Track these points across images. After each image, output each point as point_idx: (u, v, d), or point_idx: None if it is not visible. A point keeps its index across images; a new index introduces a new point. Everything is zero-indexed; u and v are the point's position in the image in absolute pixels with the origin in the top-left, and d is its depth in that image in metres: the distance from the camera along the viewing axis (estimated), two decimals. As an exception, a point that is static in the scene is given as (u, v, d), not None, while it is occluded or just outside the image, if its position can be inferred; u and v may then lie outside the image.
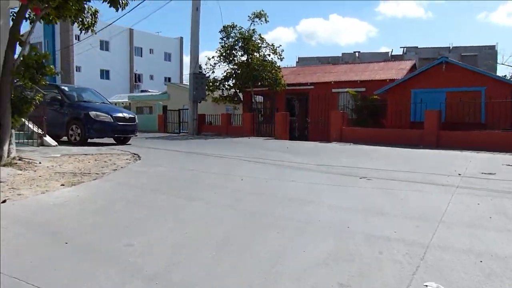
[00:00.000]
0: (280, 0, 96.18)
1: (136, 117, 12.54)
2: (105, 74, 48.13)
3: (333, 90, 19.13)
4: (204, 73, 20.31)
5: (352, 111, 16.86)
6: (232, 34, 19.50)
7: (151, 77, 52.15)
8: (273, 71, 19.12)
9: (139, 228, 3.26)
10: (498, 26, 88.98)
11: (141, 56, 51.47)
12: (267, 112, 20.33)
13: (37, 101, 7.10)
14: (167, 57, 53.96)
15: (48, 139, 10.82)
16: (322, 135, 15.87)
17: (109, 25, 31.49)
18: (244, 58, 19.37)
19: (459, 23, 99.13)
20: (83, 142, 11.36)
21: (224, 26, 19.56)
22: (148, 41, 51.34)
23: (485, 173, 6.08)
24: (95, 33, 9.32)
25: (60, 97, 11.89)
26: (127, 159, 8.03)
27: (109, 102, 13.10)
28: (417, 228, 3.19)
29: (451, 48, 42.83)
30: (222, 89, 20.65)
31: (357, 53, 41.64)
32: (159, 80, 50.16)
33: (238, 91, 20.62)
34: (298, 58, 44.35)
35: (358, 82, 18.89)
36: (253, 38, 19.30)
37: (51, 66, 7.30)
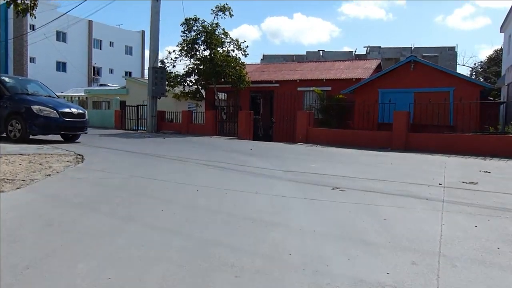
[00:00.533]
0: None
1: (86, 113, 11.34)
2: (61, 66, 45.59)
3: (299, 89, 18.51)
4: (165, 67, 19.17)
5: (318, 111, 16.29)
6: (194, 28, 18.48)
7: (111, 71, 49.94)
8: (237, 67, 18.28)
9: (39, 271, 2.34)
10: (454, 29, 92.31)
11: (100, 49, 49.14)
12: (231, 110, 19.45)
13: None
14: (128, 50, 51.84)
15: (-20, 136, 9.50)
16: (288, 135, 15.21)
17: (63, 14, 29.64)
18: (206, 53, 18.41)
19: (419, 25, 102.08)
20: (24, 140, 10.09)
21: (186, 19, 18.51)
22: (108, 33, 49.07)
23: (466, 182, 5.52)
24: (35, 17, 8.16)
25: (-2, 89, 10.53)
26: (67, 161, 6.96)
27: (57, 96, 11.78)
28: (414, 267, 2.47)
29: (413, 48, 43.55)
30: (184, 85, 19.59)
31: (321, 52, 41.49)
32: (119, 74, 47.94)
33: (200, 87, 19.64)
34: (263, 55, 43.69)
35: (323, 81, 18.37)
36: (217, 33, 18.36)
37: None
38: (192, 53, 18.45)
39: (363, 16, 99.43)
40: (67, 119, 10.54)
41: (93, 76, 48.27)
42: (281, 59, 42.52)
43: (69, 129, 10.71)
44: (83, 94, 31.53)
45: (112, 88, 30.45)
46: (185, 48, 18.53)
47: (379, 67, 20.20)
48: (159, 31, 18.29)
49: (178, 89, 20.09)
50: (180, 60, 19.08)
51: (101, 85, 47.04)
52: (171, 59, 19.27)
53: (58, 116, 10.35)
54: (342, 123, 14.84)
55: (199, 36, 18.15)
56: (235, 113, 18.35)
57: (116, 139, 13.45)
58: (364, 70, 18.74)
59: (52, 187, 4.82)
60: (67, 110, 10.61)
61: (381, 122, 13.63)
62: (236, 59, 18.44)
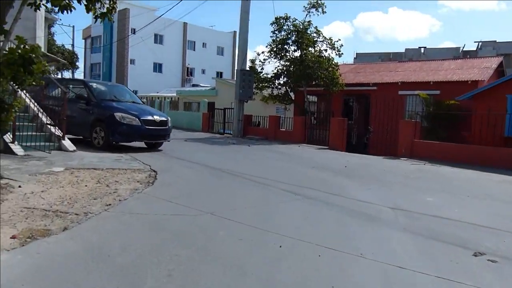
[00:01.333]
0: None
1: (169, 120, 10.80)
2: (158, 68, 47.84)
3: (400, 92, 16.39)
4: (256, 69, 18.33)
5: (423, 119, 14.12)
6: (284, 27, 17.36)
7: (203, 71, 51.25)
8: (330, 68, 16.75)
9: None
10: None
11: (194, 50, 50.69)
12: (321, 115, 17.99)
13: (16, 108, 5.41)
14: (220, 51, 52.80)
15: (66, 143, 9.36)
16: (386, 147, 13.34)
17: (158, 17, 30.59)
18: (297, 53, 17.18)
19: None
20: (106, 147, 9.82)
21: (276, 18, 17.46)
22: (201, 35, 50.40)
23: None
24: (113, 21, 7.68)
25: (86, 95, 10.44)
26: (138, 182, 6.22)
27: (142, 102, 11.47)
28: None
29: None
30: (272, 88, 18.61)
31: (422, 49, 37.73)
32: (211, 74, 48.94)
33: (289, 90, 18.47)
34: (356, 54, 41.22)
35: (430, 84, 16.00)
36: (308, 31, 17.04)
37: (43, 61, 5.59)
38: (282, 54, 17.36)
39: (469, 8, 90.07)
40: (149, 127, 10.07)
41: (186, 77, 50.00)
42: (376, 57, 39.65)
43: (151, 137, 10.24)
44: (174, 94, 32.36)
45: (202, 89, 30.73)
46: (275, 49, 17.51)
47: (500, 66, 17.15)
48: (248, 31, 17.50)
49: (266, 92, 19.19)
50: (269, 61, 18.13)
51: (193, 85, 48.54)
52: (260, 60, 18.42)
53: (140, 124, 9.91)
54: (454, 134, 12.56)
55: (289, 35, 16.99)
56: (326, 119, 16.89)
57: (200, 146, 12.87)
58: (481, 71, 15.93)
59: (101, 230, 3.92)
60: (149, 117, 10.13)
61: (509, 136, 11.14)
62: (329, 59, 16.93)
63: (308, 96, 18.26)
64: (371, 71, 19.53)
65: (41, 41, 20.80)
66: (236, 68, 17.76)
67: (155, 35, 46.06)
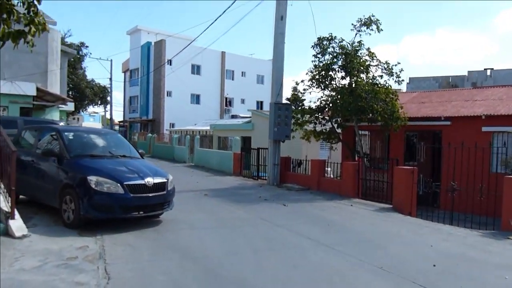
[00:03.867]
0: (381, 12, 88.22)
1: (168, 181, 7.70)
2: (195, 99, 46.03)
3: (484, 129, 12.47)
4: (296, 100, 15.10)
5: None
6: (329, 50, 14.11)
7: (242, 101, 48.97)
8: (388, 99, 13.18)
9: None
10: None
11: (232, 80, 48.70)
12: (377, 159, 14.31)
13: None
14: (260, 79, 50.48)
15: (15, 224, 6.44)
16: (468, 204, 9.48)
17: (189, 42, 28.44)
18: (345, 81, 13.82)
19: None
20: (79, 224, 6.84)
21: (318, 38, 14.28)
22: (240, 63, 48.36)
23: None
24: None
25: (58, 149, 7.61)
26: None
27: (138, 155, 8.46)
28: None
29: None
30: (315, 123, 15.25)
31: (488, 71, 32.95)
32: (251, 104, 46.42)
33: (336, 126, 15.02)
34: (409, 78, 36.91)
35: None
36: (359, 54, 13.66)
37: None
38: (326, 82, 14.04)
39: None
40: (137, 195, 7.00)
41: (225, 107, 47.81)
42: (433, 82, 35.25)
43: (139, 208, 7.13)
44: (208, 128, 29.73)
45: (237, 122, 27.87)
46: (317, 77, 14.23)
47: None
48: (283, 57, 14.45)
49: (307, 126, 15.85)
50: (310, 92, 14.86)
51: (232, 116, 46.19)
52: (299, 91, 15.18)
53: (123, 192, 6.88)
54: None
55: (335, 59, 13.70)
56: (383, 162, 13.25)
57: (220, 207, 9.68)
58: None
59: None
60: (137, 182, 7.07)
61: None
62: (386, 88, 13.38)
63: (360, 133, 14.70)
64: (439, 101, 15.68)
65: (55, 75, 18.98)
66: (270, 101, 14.59)
67: (192, 66, 44.47)
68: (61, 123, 11.83)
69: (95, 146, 8.17)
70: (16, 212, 6.70)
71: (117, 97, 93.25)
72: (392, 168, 10.84)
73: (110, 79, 45.10)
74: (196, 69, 45.13)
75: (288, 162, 14.98)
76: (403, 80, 13.94)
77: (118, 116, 60.67)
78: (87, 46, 39.18)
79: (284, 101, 15.04)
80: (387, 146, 15.28)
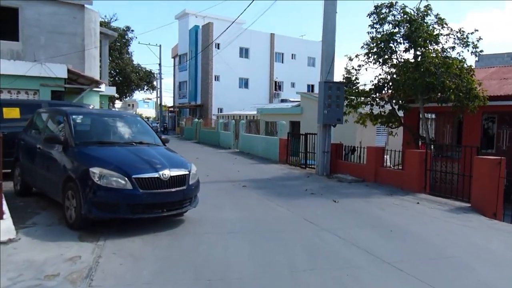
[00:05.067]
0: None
1: (191, 173, 6.29)
2: (243, 83, 44.70)
3: None
4: (350, 79, 13.21)
5: None
6: (389, 18, 11.97)
7: (293, 85, 47.01)
8: (463, 74, 10.89)
9: None
10: None
11: (282, 62, 46.77)
12: (446, 146, 12.09)
13: None
14: (311, 62, 48.15)
15: (4, 224, 5.36)
16: None
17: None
18: (409, 54, 11.69)
19: None
20: (81, 225, 5.66)
21: (375, 6, 12.17)
22: (290, 45, 46.22)
23: None
24: None
25: (63, 136, 6.44)
26: None
27: (161, 143, 7.12)
28: None
29: None
30: (372, 104, 13.25)
31: None
32: (301, 88, 44.24)
33: (396, 107, 12.91)
34: (478, 55, 32.98)
35: None
36: (426, 21, 11.42)
37: None
38: (386, 56, 11.95)
39: None
40: (148, 191, 5.66)
41: (274, 91, 46.14)
42: (507, 59, 31.19)
43: (151, 207, 5.79)
44: (255, 112, 28.27)
45: (286, 106, 26.16)
46: (374, 50, 12.17)
47: None
48: (335, 28, 12.48)
49: (362, 109, 13.90)
50: (366, 68, 12.82)
51: (282, 100, 44.40)
52: (354, 68, 13.22)
53: (131, 187, 5.56)
54: None
55: (397, 28, 11.56)
56: (453, 149, 11.08)
57: (259, 200, 8.21)
58: None
59: None
60: (149, 175, 5.71)
61: None
62: (460, 61, 11.07)
63: (426, 115, 12.51)
64: (526, 76, 13.00)
65: (93, 58, 18.32)
66: (319, 80, 12.78)
67: (240, 49, 43.12)
68: (91, 107, 10.82)
69: (107, 132, 6.93)
70: (6, 210, 5.62)
71: (168, 83, 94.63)
72: (466, 157, 8.74)
73: (159, 64, 45.01)
74: (244, 52, 43.71)
75: (340, 149, 13.14)
76: (481, 51, 11.51)
77: (169, 102, 61.14)
78: (132, 30, 38.92)
79: (335, 80, 13.12)
80: (458, 130, 12.95)
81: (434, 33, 11.31)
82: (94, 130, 6.92)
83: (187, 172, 6.23)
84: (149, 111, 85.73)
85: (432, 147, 11.64)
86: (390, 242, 5.77)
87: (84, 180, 5.57)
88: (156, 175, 5.77)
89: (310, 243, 5.58)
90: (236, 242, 5.51)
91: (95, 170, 5.56)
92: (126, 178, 5.58)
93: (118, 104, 76.12)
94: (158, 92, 49.18)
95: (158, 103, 51.00)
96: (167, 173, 5.89)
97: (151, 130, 7.53)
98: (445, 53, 11.30)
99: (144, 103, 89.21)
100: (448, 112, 12.39)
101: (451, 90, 10.45)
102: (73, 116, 6.75)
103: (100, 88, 14.74)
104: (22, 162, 7.74)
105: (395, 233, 6.21)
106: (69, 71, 12.67)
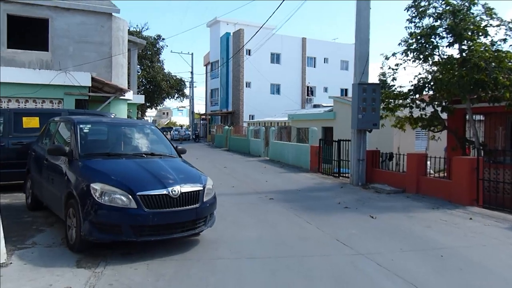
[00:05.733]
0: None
1: (205, 190, 5.50)
2: (275, 89, 43.93)
3: None
4: (385, 81, 12.17)
5: None
6: (429, 11, 10.82)
7: (325, 89, 45.79)
8: (517, 70, 9.56)
9: None
10: None
11: (314, 67, 45.70)
12: (498, 147, 10.73)
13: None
14: (344, 65, 46.77)
15: (-3, 247, 4.78)
16: None
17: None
18: (453, 50, 10.53)
19: None
20: (81, 248, 5.01)
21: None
22: (322, 49, 45.10)
23: None
24: None
25: (68, 147, 5.85)
26: None
27: (176, 154, 6.41)
28: None
29: None
30: (411, 107, 12.09)
31: None
32: (334, 92, 42.96)
33: (439, 109, 11.67)
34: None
35: None
36: (472, 11, 10.20)
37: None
38: (427, 52, 10.78)
39: None
40: (156, 211, 4.92)
41: (306, 97, 45.07)
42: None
43: (159, 229, 5.04)
44: (286, 119, 27.38)
45: (318, 111, 25.15)
46: (414, 46, 11.04)
47: None
48: (369, 25, 11.49)
49: (400, 113, 12.74)
50: (404, 67, 11.67)
51: (314, 105, 43.27)
52: (390, 67, 12.11)
53: (135, 206, 4.84)
54: None
55: (439, 21, 10.40)
56: (505, 153, 9.74)
57: (286, 216, 7.33)
58: None
59: None
60: (156, 192, 4.98)
61: None
62: (514, 54, 9.74)
63: (475, 116, 11.21)
64: None
65: (121, 66, 18.08)
66: (353, 82, 11.78)
67: (271, 55, 42.48)
68: (112, 115, 10.34)
69: (116, 142, 6.33)
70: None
71: (200, 91, 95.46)
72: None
73: (191, 72, 45.06)
74: (275, 58, 42.98)
75: (376, 156, 12.03)
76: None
77: (202, 110, 61.31)
78: (163, 39, 39.05)
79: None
80: (512, 133, 11.53)
81: (482, 25, 10.06)
82: (102, 140, 6.34)
83: (201, 188, 5.45)
84: (183, 119, 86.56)
85: (482, 153, 10.34)
86: (442, 272, 4.72)
87: (84, 197, 4.92)
88: (164, 191, 5.03)
89: (342, 273, 4.64)
90: (254, 272, 4.65)
91: (96, 186, 4.89)
92: (130, 196, 4.87)
93: (152, 112, 77.54)
94: (191, 100, 49.28)
95: (195, 111, 51.20)
96: (178, 189, 5.13)
97: (166, 139, 6.83)
98: (495, 47, 10.01)
99: (178, 111, 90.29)
100: (500, 113, 11.03)
101: (505, 87, 9.15)
102: (81, 126, 6.15)
103: (124, 96, 14.38)
104: (32, 174, 7.28)
105: (447, 260, 5.14)
106: (93, 79, 12.36)
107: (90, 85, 12.43)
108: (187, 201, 5.20)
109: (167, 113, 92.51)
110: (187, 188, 5.25)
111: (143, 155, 6.00)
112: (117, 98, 14.54)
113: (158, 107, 48.52)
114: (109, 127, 6.65)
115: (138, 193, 4.89)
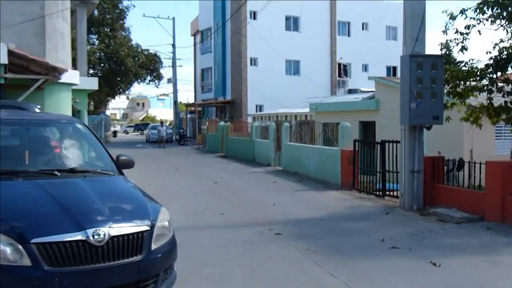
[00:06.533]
0: None
1: (154, 230, 4.72)
2: (293, 68, 43.48)
3: None
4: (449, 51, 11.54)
5: None
6: None
7: (365, 68, 45.63)
8: None
9: None
10: None
11: (348, 36, 45.58)
12: None
13: None
14: (391, 34, 46.56)
15: None
16: None
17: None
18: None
19: None
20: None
21: None
22: (359, 11, 44.83)
23: None
24: None
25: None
26: None
27: (113, 167, 5.66)
28: None
29: None
30: (491, 91, 11.42)
31: None
32: (378, 71, 42.23)
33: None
34: None
35: None
36: None
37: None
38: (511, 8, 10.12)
39: None
40: (64, 269, 4.18)
41: (338, 78, 44.53)
42: None
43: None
44: (307, 111, 26.73)
45: (351, 100, 24.54)
46: (492, 1, 10.44)
47: None
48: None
49: (473, 100, 12.41)
50: (479, 31, 11.13)
51: (349, 91, 42.56)
52: (458, 31, 11.51)
53: (29, 263, 4.14)
54: None
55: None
56: None
57: (300, 264, 6.76)
58: None
59: None
60: (67, 237, 4.22)
61: None
62: None
63: None
64: None
65: (61, 36, 17.43)
66: (401, 54, 11.10)
67: (287, 18, 42.07)
68: (37, 108, 9.70)
69: (15, 153, 5.64)
70: None
71: (187, 72, 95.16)
72: None
73: (173, 45, 44.57)
74: (292, 23, 42.52)
75: (439, 165, 11.33)
76: None
77: (191, 99, 61.13)
78: (130, -2, 38.88)
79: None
80: None
81: None
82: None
83: (147, 227, 4.64)
84: (165, 112, 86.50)
85: None
86: None
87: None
88: (79, 236, 4.21)
89: None
90: None
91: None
92: (19, 245, 4.07)
93: (121, 103, 77.24)
94: (174, 86, 49.07)
95: (183, 100, 51.14)
96: (105, 231, 4.32)
97: (99, 145, 6.13)
98: None
99: (159, 101, 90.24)
100: None
101: None
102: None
103: (62, 78, 13.72)
104: None
105: None
106: (12, 53, 11.78)
107: (7, 62, 11.84)
108: (121, 252, 4.39)
109: (143, 103, 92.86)
110: (121, 228, 4.45)
111: (55, 172, 5.22)
112: (51, 81, 13.90)
113: (128, 95, 48.28)
114: (6, 126, 5.89)
115: (33, 240, 4.09)
